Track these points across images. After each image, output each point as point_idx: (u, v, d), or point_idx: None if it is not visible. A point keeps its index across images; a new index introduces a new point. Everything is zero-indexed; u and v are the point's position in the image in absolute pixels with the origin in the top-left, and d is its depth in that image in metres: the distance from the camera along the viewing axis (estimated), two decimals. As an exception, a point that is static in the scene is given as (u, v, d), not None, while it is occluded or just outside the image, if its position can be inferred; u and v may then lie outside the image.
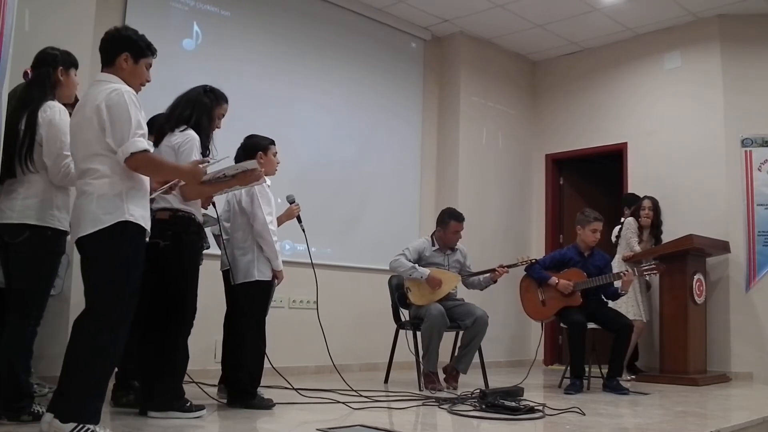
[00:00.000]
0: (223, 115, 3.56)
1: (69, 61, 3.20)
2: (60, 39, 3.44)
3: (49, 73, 3.12)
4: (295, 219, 4.23)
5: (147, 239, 2.81)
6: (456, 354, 4.95)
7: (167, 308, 3.25)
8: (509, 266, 5.05)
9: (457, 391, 4.57)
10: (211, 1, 5.45)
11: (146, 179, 2.82)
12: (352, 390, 4.13)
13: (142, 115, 2.72)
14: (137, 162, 2.65)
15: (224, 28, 5.51)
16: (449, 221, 5.03)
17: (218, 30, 5.46)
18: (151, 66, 2.91)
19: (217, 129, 3.55)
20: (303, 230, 4.15)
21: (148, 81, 2.92)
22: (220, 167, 3.18)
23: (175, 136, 3.32)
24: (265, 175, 3.80)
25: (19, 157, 2.96)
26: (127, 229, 2.65)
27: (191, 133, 3.32)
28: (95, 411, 2.59)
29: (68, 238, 2.85)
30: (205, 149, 3.41)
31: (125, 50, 2.80)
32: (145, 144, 2.68)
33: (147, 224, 2.75)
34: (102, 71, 2.82)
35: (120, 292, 2.64)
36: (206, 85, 3.52)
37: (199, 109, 3.42)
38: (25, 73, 3.25)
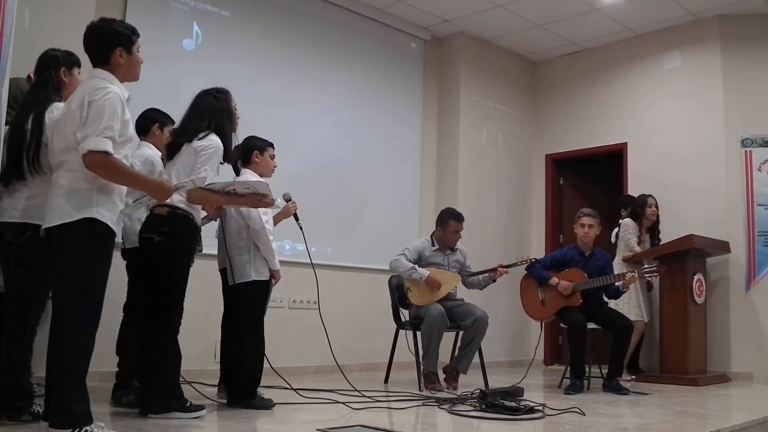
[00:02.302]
0: (236, 106, 3.54)
1: (71, 61, 3.19)
2: (60, 39, 3.44)
3: (51, 75, 3.11)
4: (292, 217, 4.19)
5: (117, 242, 2.79)
6: (456, 354, 4.95)
7: (155, 305, 3.24)
8: (509, 266, 5.04)
9: (457, 391, 4.57)
10: (211, 1, 5.45)
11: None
12: (355, 390, 4.13)
13: (125, 119, 2.68)
14: (93, 161, 2.56)
15: (224, 28, 5.50)
16: (449, 221, 5.02)
17: (218, 30, 5.46)
18: (140, 46, 2.86)
19: (238, 119, 3.55)
20: (300, 228, 4.11)
21: (143, 62, 2.89)
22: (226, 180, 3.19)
23: (198, 140, 3.29)
24: (260, 177, 3.80)
25: (27, 159, 2.95)
26: (93, 226, 2.61)
27: (215, 139, 3.31)
28: (85, 412, 2.57)
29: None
30: (228, 152, 3.41)
31: (117, 45, 2.76)
32: (108, 146, 2.57)
33: (116, 227, 2.71)
34: (95, 67, 2.78)
35: (84, 288, 2.60)
36: (208, 89, 3.49)
37: (218, 114, 3.40)
38: (29, 78, 3.25)
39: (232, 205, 3.49)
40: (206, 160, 3.24)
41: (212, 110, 3.40)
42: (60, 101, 3.09)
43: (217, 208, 3.52)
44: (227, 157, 3.43)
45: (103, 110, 2.60)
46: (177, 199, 3.25)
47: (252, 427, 3.24)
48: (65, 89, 3.14)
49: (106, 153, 2.58)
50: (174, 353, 3.28)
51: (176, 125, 3.57)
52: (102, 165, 2.60)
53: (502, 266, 4.99)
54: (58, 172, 2.68)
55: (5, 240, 2.97)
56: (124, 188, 2.82)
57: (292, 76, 5.88)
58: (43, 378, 3.77)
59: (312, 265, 4.11)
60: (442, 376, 4.81)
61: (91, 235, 2.61)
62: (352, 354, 5.75)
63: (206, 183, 3.21)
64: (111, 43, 2.76)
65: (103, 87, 2.67)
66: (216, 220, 3.72)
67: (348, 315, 5.86)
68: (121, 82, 2.79)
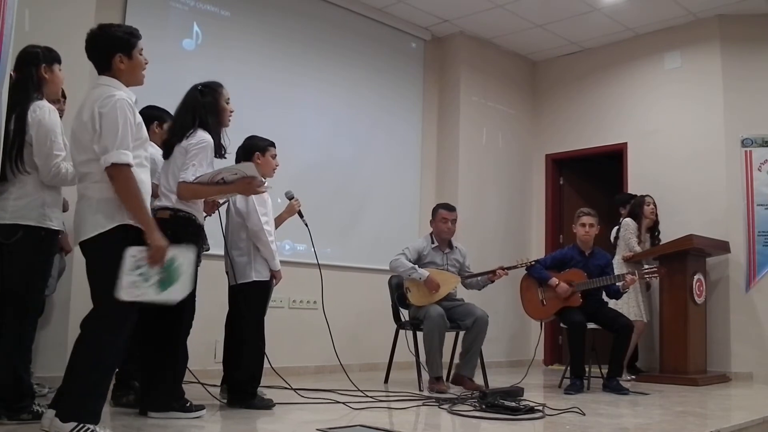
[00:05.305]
0: (228, 100, 3.52)
1: (51, 57, 3.15)
2: (60, 39, 3.44)
3: (31, 73, 3.07)
4: (297, 215, 4.16)
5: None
6: (459, 360, 4.93)
7: (165, 309, 3.23)
8: (509, 268, 5.04)
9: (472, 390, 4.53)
10: (211, 1, 5.45)
11: (147, 183, 2.79)
12: (357, 389, 4.13)
13: (136, 122, 2.70)
14: (116, 173, 2.62)
15: (224, 28, 5.50)
16: (438, 210, 5.08)
17: (218, 30, 5.46)
18: (142, 49, 2.85)
19: (231, 113, 3.53)
20: (306, 225, 4.06)
21: (147, 63, 2.88)
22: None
23: (186, 139, 3.30)
24: (262, 177, 3.79)
25: (10, 159, 2.94)
26: (127, 232, 2.66)
27: (204, 135, 3.31)
28: (95, 411, 2.60)
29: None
30: (219, 147, 3.40)
31: (116, 51, 2.76)
32: (130, 159, 2.64)
33: None
34: (100, 75, 2.79)
35: None
36: (197, 84, 3.48)
37: (201, 109, 3.39)
38: (11, 76, 3.23)
39: (224, 194, 3.46)
40: (194, 156, 3.24)
41: (196, 106, 3.39)
42: (42, 99, 3.06)
43: (211, 205, 3.51)
44: (218, 152, 3.42)
45: (116, 121, 2.63)
46: (177, 201, 3.25)
47: (252, 427, 3.24)
48: (46, 86, 3.12)
49: (128, 165, 2.63)
50: (182, 355, 3.29)
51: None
52: (123, 177, 2.63)
53: (502, 268, 4.99)
54: (83, 184, 2.71)
55: None
56: (149, 188, 2.83)
57: (292, 76, 5.88)
58: (43, 378, 3.79)
59: (318, 265, 4.12)
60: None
61: (126, 242, 2.65)
62: (352, 354, 5.74)
63: (195, 177, 3.21)
64: (110, 50, 2.76)
65: (110, 95, 2.67)
66: (210, 215, 3.70)
67: (348, 315, 5.85)
68: (127, 86, 2.79)
